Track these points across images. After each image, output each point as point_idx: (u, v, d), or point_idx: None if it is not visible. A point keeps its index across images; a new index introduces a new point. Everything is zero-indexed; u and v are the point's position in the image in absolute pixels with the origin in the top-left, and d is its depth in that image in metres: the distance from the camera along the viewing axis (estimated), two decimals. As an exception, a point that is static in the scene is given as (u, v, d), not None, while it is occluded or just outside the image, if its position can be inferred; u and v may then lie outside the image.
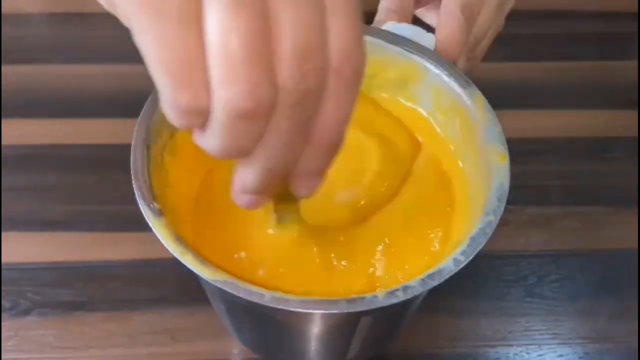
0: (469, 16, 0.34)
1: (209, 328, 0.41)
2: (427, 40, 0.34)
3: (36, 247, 0.44)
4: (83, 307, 0.41)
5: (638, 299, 0.43)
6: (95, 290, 0.42)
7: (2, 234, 0.44)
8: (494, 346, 0.41)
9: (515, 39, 0.58)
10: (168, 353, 0.40)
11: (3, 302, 0.41)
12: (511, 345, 0.41)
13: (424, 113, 0.35)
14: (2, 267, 0.43)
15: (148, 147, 0.29)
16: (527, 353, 0.41)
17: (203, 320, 0.41)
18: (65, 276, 0.42)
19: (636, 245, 0.45)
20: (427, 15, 0.40)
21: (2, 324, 0.40)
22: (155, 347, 0.40)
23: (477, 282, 0.43)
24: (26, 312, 0.41)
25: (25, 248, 0.44)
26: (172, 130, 0.32)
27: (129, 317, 0.41)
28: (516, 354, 0.41)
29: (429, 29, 0.36)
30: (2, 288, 0.42)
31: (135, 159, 0.29)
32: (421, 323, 0.41)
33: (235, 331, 0.38)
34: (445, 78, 0.33)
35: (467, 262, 0.26)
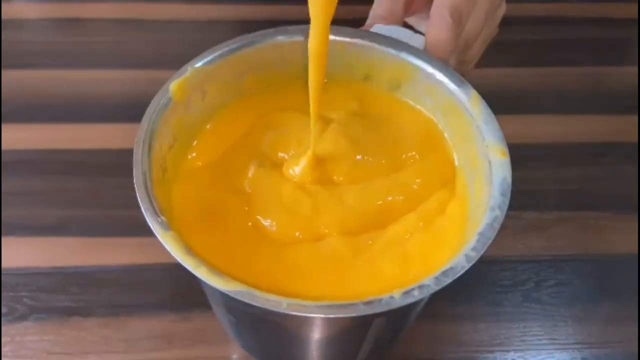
0: (457, 19, 0.34)
1: (207, 333, 0.41)
2: (416, 41, 0.35)
3: (33, 252, 0.44)
4: (79, 313, 0.41)
5: (638, 303, 0.43)
6: (91, 296, 0.42)
7: (0, 238, 0.44)
8: (492, 351, 0.41)
9: (513, 44, 0.58)
10: (165, 358, 0.40)
11: (0, 307, 0.41)
12: (509, 351, 0.41)
13: (425, 111, 0.36)
14: (-1, 272, 0.43)
15: (150, 160, 0.29)
16: (525, 358, 0.41)
17: (200, 325, 0.41)
18: (61, 281, 0.42)
19: (635, 250, 0.45)
20: (417, 22, 0.40)
21: (-1, 329, 0.40)
22: (152, 352, 0.40)
23: (475, 288, 0.43)
24: (23, 317, 0.41)
25: (22, 253, 0.44)
26: (173, 141, 0.32)
27: (125, 322, 0.41)
28: (514, 359, 0.41)
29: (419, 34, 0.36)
30: (-1, 293, 0.42)
31: (139, 172, 0.28)
32: (419, 329, 0.41)
33: (238, 337, 0.38)
34: (439, 77, 0.33)
35: (479, 257, 0.26)
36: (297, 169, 0.32)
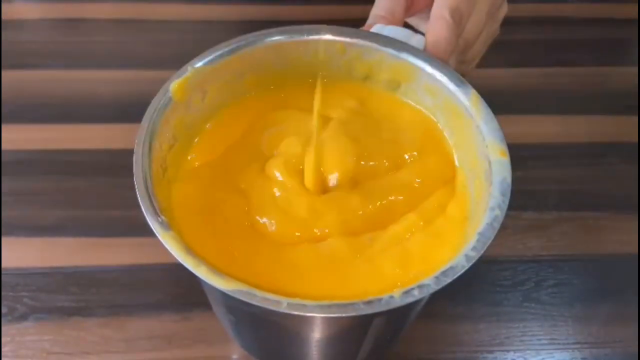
0: (458, 20, 0.34)
1: (207, 333, 0.41)
2: (416, 41, 0.35)
3: (33, 252, 0.44)
4: (79, 313, 0.41)
5: (638, 303, 0.43)
6: (91, 296, 0.42)
7: (0, 238, 0.44)
8: (492, 351, 0.41)
9: (513, 45, 0.58)
10: (165, 358, 0.40)
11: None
12: (508, 351, 0.41)
13: (424, 111, 0.36)
14: (-1, 272, 0.43)
15: (150, 160, 0.29)
16: (525, 358, 0.41)
17: (200, 325, 0.41)
18: (61, 281, 0.42)
19: (635, 250, 0.45)
20: (417, 23, 0.40)
21: (-1, 329, 0.40)
22: (152, 352, 0.40)
23: (475, 288, 0.43)
24: (23, 317, 0.41)
25: (22, 253, 0.44)
26: (173, 141, 0.32)
27: (125, 322, 0.41)
28: (514, 359, 0.41)
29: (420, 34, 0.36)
30: (-1, 293, 0.42)
31: (139, 172, 0.28)
32: (419, 329, 0.41)
33: (238, 337, 0.38)
34: (439, 77, 0.33)
35: (479, 257, 0.26)
36: (287, 170, 0.32)
